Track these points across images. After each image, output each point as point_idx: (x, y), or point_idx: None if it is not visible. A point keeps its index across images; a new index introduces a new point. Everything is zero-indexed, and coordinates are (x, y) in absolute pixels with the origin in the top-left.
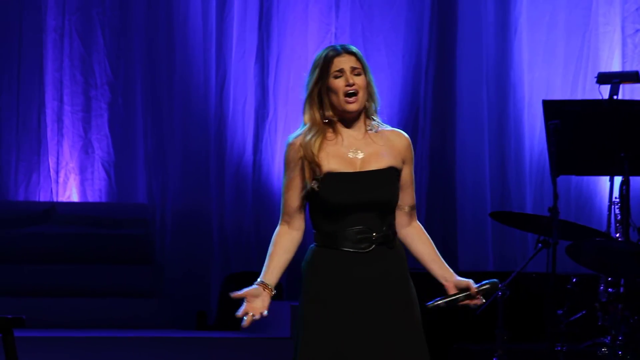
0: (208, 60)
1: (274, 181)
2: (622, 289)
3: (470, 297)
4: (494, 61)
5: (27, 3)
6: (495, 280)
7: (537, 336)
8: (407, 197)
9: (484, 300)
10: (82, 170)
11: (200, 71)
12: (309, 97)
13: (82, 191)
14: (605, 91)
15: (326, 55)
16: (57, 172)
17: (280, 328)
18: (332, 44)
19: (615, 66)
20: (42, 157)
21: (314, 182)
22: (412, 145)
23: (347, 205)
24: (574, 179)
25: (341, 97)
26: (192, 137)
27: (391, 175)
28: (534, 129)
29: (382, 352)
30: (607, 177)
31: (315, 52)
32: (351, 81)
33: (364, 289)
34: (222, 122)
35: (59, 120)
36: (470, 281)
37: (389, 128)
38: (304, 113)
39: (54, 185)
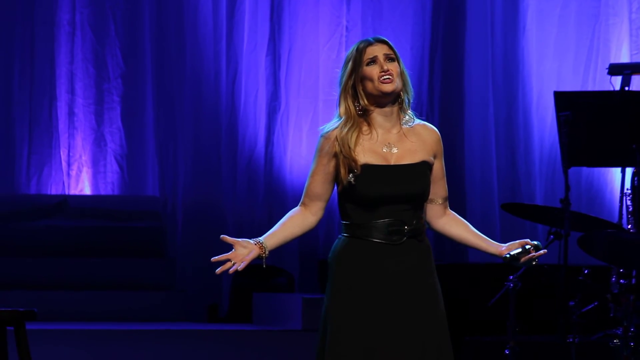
0: (219, 53)
1: (286, 174)
2: (634, 280)
3: (528, 251)
4: (502, 53)
5: None
6: (539, 243)
7: (549, 328)
8: (439, 189)
9: (544, 251)
10: (95, 163)
11: (211, 64)
12: (343, 90)
13: (95, 184)
14: (616, 82)
15: (358, 47)
16: (69, 165)
17: (292, 321)
18: (344, 36)
19: (624, 57)
20: (54, 150)
21: (350, 176)
22: (441, 139)
23: (381, 198)
24: (585, 170)
25: (376, 82)
26: (204, 130)
27: (424, 169)
28: (544, 121)
29: (409, 344)
30: (619, 169)
31: (326, 45)
32: (385, 67)
33: (393, 281)
34: (234, 115)
35: (71, 113)
36: (524, 240)
37: (420, 122)
38: (338, 106)
39: (66, 178)
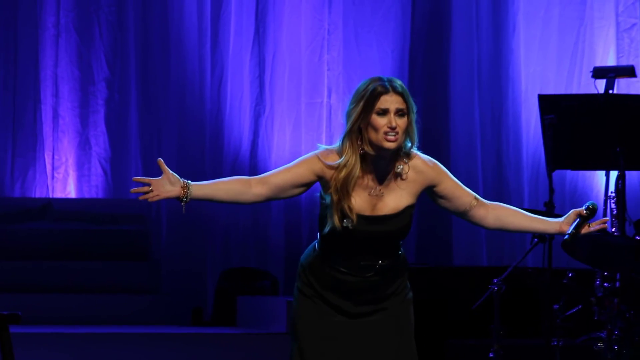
0: (203, 57)
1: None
2: (618, 284)
3: (586, 218)
4: (487, 56)
5: None
6: (593, 202)
7: (533, 331)
8: (463, 198)
9: (603, 225)
10: (79, 167)
11: (196, 68)
12: (349, 130)
13: (79, 187)
14: (600, 86)
15: (373, 90)
16: (54, 168)
17: (276, 324)
18: (325, 39)
19: (611, 61)
20: (38, 153)
21: (345, 221)
22: (429, 165)
23: (356, 241)
24: (570, 173)
25: (380, 135)
26: (189, 133)
27: (404, 215)
28: (529, 124)
29: (373, 356)
30: (603, 172)
31: (308, 48)
32: (394, 124)
33: (360, 297)
34: (219, 118)
35: (56, 117)
36: (578, 209)
37: (415, 159)
38: (342, 142)
39: (50, 182)
